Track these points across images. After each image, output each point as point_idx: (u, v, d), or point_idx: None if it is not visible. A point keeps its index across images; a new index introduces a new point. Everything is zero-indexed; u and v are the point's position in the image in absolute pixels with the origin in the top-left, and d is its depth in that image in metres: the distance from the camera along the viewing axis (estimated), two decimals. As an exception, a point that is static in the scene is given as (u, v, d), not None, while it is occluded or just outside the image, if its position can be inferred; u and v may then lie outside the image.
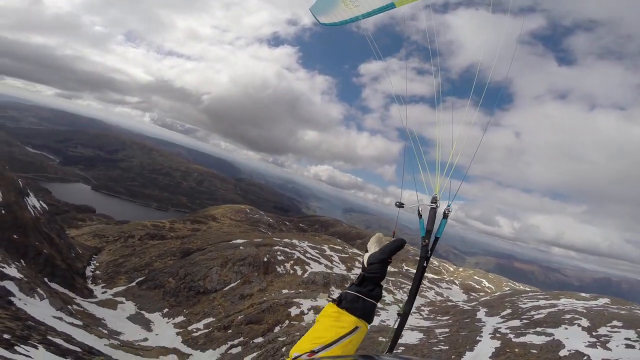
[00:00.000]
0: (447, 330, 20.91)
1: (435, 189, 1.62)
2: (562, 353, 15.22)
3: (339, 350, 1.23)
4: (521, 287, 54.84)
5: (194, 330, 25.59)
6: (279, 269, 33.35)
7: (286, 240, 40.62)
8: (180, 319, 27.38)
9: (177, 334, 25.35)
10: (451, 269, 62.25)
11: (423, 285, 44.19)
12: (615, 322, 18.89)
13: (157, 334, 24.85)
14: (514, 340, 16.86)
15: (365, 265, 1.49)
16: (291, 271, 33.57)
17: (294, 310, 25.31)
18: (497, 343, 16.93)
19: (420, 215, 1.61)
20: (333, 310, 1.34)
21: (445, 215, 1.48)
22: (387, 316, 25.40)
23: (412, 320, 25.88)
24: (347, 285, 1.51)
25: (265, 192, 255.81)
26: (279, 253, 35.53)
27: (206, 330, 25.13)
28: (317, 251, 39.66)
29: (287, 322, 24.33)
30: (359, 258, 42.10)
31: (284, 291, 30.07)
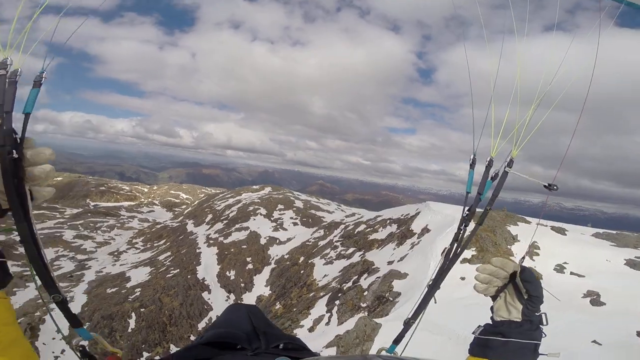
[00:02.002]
0: (169, 254, 21.95)
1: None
2: (262, 241, 20.85)
3: None
4: (212, 190, 64.00)
5: None
6: None
7: None
8: None
9: None
10: (146, 190, 61.18)
11: (123, 216, 41.17)
12: (280, 206, 27.83)
13: None
14: (225, 242, 20.84)
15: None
16: None
17: None
18: (215, 249, 20.20)
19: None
20: None
21: (37, 85, 0.89)
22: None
23: (131, 256, 24.48)
24: None
25: None
26: None
27: None
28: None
29: None
30: None
31: None
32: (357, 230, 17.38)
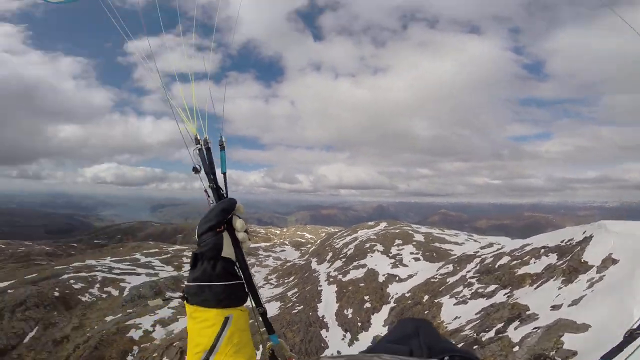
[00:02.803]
0: (296, 290, 22.67)
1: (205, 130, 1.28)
2: (380, 279, 19.38)
3: (230, 349, 1.03)
4: (332, 229, 66.53)
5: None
6: (84, 299, 25.92)
7: (76, 264, 31.68)
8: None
9: None
10: (278, 232, 67.90)
11: (261, 255, 46.04)
12: (397, 241, 25.88)
13: None
14: (343, 280, 20.15)
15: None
16: (103, 295, 26.86)
17: (135, 334, 20.76)
18: (334, 287, 19.71)
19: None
20: (189, 311, 1.11)
21: (222, 148, 1.23)
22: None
23: (266, 291, 26.67)
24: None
25: (23, 217, 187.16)
26: (72, 281, 27.45)
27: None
28: (127, 263, 33.30)
29: (136, 347, 19.83)
30: (187, 253, 38.66)
31: (108, 318, 23.96)
32: (498, 264, 13.94)
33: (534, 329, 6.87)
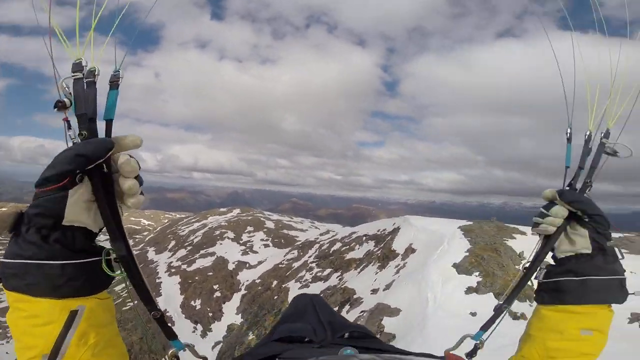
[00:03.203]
0: (127, 283, 19.65)
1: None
2: (231, 267, 19.14)
3: (85, 353, 0.72)
4: (177, 215, 60.90)
5: None
6: None
7: None
8: None
9: None
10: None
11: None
12: (249, 228, 26.24)
13: None
14: (188, 269, 18.94)
15: None
16: None
17: None
18: (177, 278, 18.24)
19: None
20: (10, 299, 0.73)
21: (114, 86, 0.86)
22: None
23: None
24: None
25: None
26: None
27: None
28: None
29: None
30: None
31: None
32: (332, 249, 16.30)
33: (361, 312, 8.27)
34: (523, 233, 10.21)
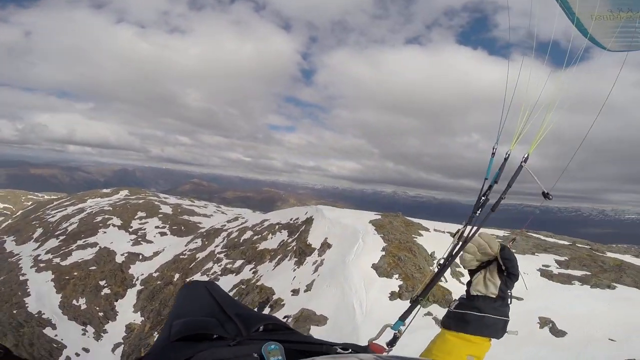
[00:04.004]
0: None
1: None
2: (119, 259, 16.57)
3: None
4: (45, 196, 50.06)
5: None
6: None
7: None
8: None
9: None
10: None
11: None
12: (141, 213, 23.25)
13: None
14: (63, 264, 15.76)
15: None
16: None
17: None
18: (49, 274, 15.03)
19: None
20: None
21: None
22: None
23: None
24: None
25: None
26: None
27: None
28: None
29: None
30: None
31: None
32: (242, 238, 15.69)
33: (284, 317, 7.71)
34: (426, 229, 10.99)
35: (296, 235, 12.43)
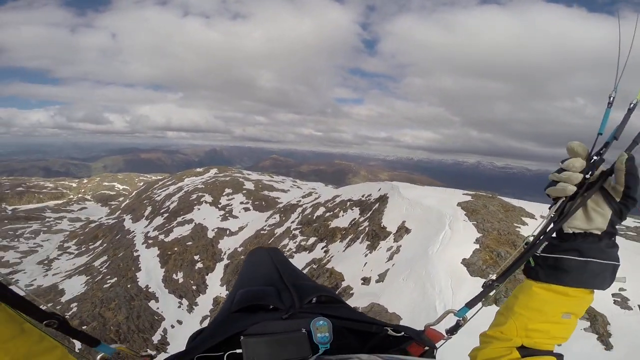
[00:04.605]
0: (105, 258, 18.74)
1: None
2: (210, 234, 18.31)
3: None
4: (153, 177, 58.44)
5: None
6: None
7: None
8: None
9: None
10: (74, 185, 53.86)
11: (49, 218, 35.83)
12: (227, 190, 25.22)
13: None
14: (166, 240, 18.09)
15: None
16: None
17: None
18: (156, 250, 17.38)
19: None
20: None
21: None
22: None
23: (64, 263, 21.26)
24: None
25: None
26: None
27: None
28: None
29: None
30: None
31: None
32: (315, 215, 15.79)
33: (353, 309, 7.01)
34: (531, 215, 8.93)
35: (368, 215, 11.73)
